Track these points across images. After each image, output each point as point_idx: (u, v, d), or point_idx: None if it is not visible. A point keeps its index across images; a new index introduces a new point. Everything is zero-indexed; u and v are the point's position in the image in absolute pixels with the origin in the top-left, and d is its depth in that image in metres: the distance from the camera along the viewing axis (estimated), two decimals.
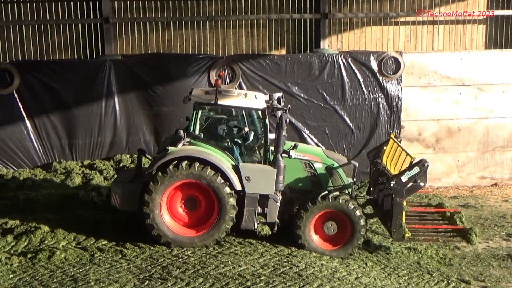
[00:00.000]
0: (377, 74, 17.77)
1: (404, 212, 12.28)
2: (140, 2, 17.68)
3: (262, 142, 12.27)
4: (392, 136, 13.82)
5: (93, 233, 12.34)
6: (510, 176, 18.94)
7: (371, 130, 17.84)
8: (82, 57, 17.70)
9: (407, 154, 12.54)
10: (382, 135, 17.84)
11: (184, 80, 17.03)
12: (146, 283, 10.24)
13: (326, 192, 12.08)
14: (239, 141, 12.51)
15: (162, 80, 17.10)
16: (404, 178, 11.89)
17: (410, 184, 11.99)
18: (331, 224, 12.10)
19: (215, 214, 11.81)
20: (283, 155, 11.87)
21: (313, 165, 12.57)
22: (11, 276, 10.72)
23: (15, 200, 14.29)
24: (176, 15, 17.78)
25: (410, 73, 18.02)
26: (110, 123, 17.28)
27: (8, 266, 11.06)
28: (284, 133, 11.85)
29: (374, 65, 17.74)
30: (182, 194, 12.00)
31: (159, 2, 17.70)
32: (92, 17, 17.62)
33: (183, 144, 11.91)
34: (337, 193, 12.07)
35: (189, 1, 17.75)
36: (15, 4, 17.36)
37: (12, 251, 11.76)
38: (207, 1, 17.83)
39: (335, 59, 17.56)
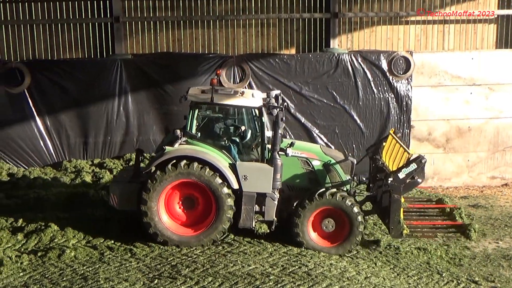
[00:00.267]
0: (387, 73, 17.72)
1: (402, 209, 12.24)
2: (150, 1, 17.73)
3: (259, 140, 12.24)
4: (391, 132, 13.80)
5: (103, 231, 12.38)
6: None
7: (381, 129, 17.80)
8: (92, 56, 17.79)
9: (405, 150, 12.54)
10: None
11: (194, 79, 17.05)
12: (156, 282, 10.26)
13: (324, 189, 12.06)
14: (237, 140, 12.50)
15: (172, 79, 17.14)
16: (401, 175, 11.85)
17: (407, 181, 11.95)
18: (329, 221, 12.08)
19: (212, 213, 11.82)
20: (280, 153, 11.86)
21: (311, 163, 12.54)
22: (21, 274, 10.77)
23: (25, 198, 14.37)
24: (186, 14, 17.81)
25: (420, 73, 17.97)
26: (120, 122, 17.34)
27: (18, 264, 11.11)
28: (280, 131, 11.80)
29: (384, 64, 17.70)
30: (180, 193, 12.01)
31: (169, 1, 17.74)
32: (102, 16, 17.69)
33: (180, 144, 11.93)
34: (334, 190, 12.04)
35: (199, 0, 17.78)
36: (26, 4, 17.45)
37: (23, 249, 11.82)
38: (217, 0, 17.84)
39: (345, 58, 17.53)
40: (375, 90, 17.75)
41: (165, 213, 11.93)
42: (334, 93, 17.66)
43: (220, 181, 11.63)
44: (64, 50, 17.78)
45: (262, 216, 12.07)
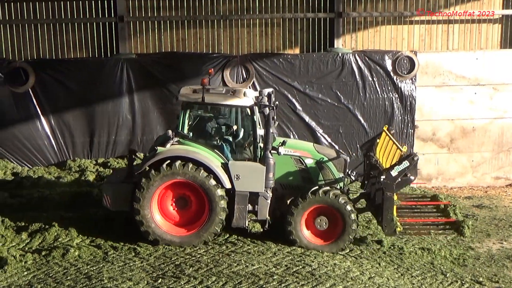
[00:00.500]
0: (391, 73, 17.71)
1: (395, 206, 12.25)
2: (155, 1, 17.73)
3: (252, 139, 12.21)
4: (385, 128, 13.80)
5: (107, 231, 12.40)
6: None
7: None
8: (96, 56, 17.80)
9: (398, 147, 12.51)
10: (396, 135, 17.75)
11: (198, 79, 16.73)
12: (159, 281, 10.27)
13: (317, 187, 12.06)
14: (229, 139, 12.49)
15: (176, 79, 17.15)
16: (394, 173, 11.85)
17: (400, 178, 11.94)
18: (322, 219, 12.07)
19: (205, 213, 11.82)
20: (272, 152, 11.85)
21: (304, 161, 12.52)
22: (26, 273, 10.79)
23: (29, 197, 14.41)
24: (190, 14, 17.82)
25: (424, 73, 17.95)
26: (125, 122, 17.37)
27: (23, 263, 11.13)
28: (272, 130, 11.78)
29: (388, 64, 17.69)
30: (174, 193, 12.01)
31: (173, 1, 17.75)
32: (106, 16, 17.70)
33: (172, 144, 11.92)
34: (327, 188, 12.03)
35: (203, 0, 17.77)
36: (31, 3, 17.48)
37: (27, 249, 11.85)
38: (221, 0, 17.83)
39: (349, 58, 17.53)
40: (379, 90, 17.74)
41: (158, 213, 11.93)
42: (338, 93, 17.65)
43: (214, 183, 11.63)
44: (68, 49, 17.81)
45: (255, 216, 12.06)
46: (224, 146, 12.21)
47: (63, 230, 12.36)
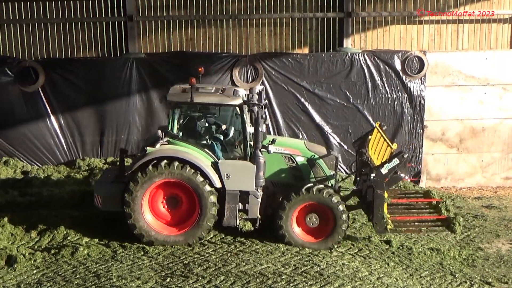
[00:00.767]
0: (401, 73, 17.67)
1: (386, 204, 12.23)
2: (164, 0, 17.76)
3: (242, 137, 12.22)
4: (377, 125, 13.76)
5: (116, 230, 12.41)
6: None
7: (394, 129, 17.75)
8: (106, 55, 17.86)
9: (388, 144, 12.48)
10: (405, 135, 17.76)
11: (207, 79, 17.04)
12: (168, 280, 10.29)
13: (311, 184, 12.07)
14: (220, 138, 12.50)
15: (185, 78, 16.85)
16: (384, 170, 11.80)
17: (390, 176, 11.91)
18: (313, 217, 12.09)
19: (196, 212, 11.83)
20: (262, 150, 11.84)
21: (295, 159, 12.52)
22: (35, 271, 10.85)
23: (39, 196, 14.46)
24: (199, 13, 17.84)
25: (434, 73, 17.90)
26: (134, 121, 17.41)
27: (32, 261, 11.18)
28: (261, 128, 11.72)
29: (397, 64, 17.65)
30: (164, 193, 12.02)
31: (182, 0, 17.77)
32: (116, 15, 17.76)
33: (162, 144, 11.93)
34: (321, 186, 12.05)
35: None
36: (41, 2, 17.55)
37: (36, 247, 11.90)
38: None
39: (358, 58, 17.50)
40: (388, 90, 17.71)
41: (149, 213, 11.93)
42: (347, 92, 17.63)
43: (201, 179, 11.62)
44: (78, 49, 17.87)
45: (246, 214, 12.07)
46: (215, 145, 12.23)
47: (72, 228, 12.40)
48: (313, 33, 18.22)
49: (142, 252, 11.55)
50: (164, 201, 12.05)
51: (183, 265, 10.89)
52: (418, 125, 17.85)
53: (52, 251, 11.58)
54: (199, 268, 10.73)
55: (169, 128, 12.08)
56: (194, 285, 10.12)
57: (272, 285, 10.10)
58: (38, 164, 17.29)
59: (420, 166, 17.99)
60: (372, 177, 11.78)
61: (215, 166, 11.83)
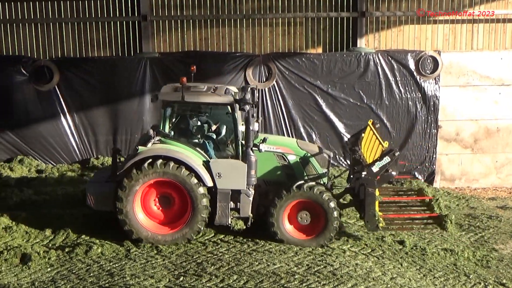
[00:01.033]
0: (415, 73, 17.59)
1: (377, 202, 12.22)
2: (178, 0, 17.79)
3: (233, 136, 12.25)
4: (369, 123, 13.72)
5: None
6: None
7: (408, 130, 17.68)
8: (120, 55, 17.92)
9: (380, 142, 12.47)
10: (419, 135, 17.67)
11: (220, 78, 17.09)
12: (181, 279, 10.32)
13: (302, 181, 12.08)
14: (212, 137, 12.52)
15: (199, 78, 17.01)
16: (375, 168, 11.80)
17: (382, 174, 11.91)
18: (305, 214, 12.11)
19: (188, 211, 11.86)
20: (253, 148, 11.86)
21: (286, 157, 12.58)
22: (49, 269, 10.92)
23: (53, 195, 14.55)
24: (213, 13, 17.87)
25: (448, 73, 17.80)
26: (147, 120, 17.45)
27: (46, 259, 11.26)
28: (252, 127, 11.74)
29: (411, 64, 17.56)
30: (156, 192, 12.05)
31: (196, 0, 17.79)
32: (130, 15, 17.82)
33: (153, 143, 11.96)
34: (312, 183, 12.06)
35: None
36: (56, 2, 17.65)
37: (50, 245, 11.98)
38: None
39: (372, 58, 17.44)
40: (402, 90, 17.63)
41: (142, 212, 11.96)
42: (360, 92, 17.57)
43: (193, 179, 11.65)
44: (92, 48, 17.96)
45: (238, 213, 12.09)
46: (207, 144, 12.25)
47: (86, 227, 12.47)
48: (326, 33, 18.19)
49: (155, 251, 11.59)
50: (157, 200, 12.10)
51: (196, 264, 10.91)
52: (432, 125, 17.76)
53: (66, 249, 11.65)
54: (212, 267, 10.75)
55: (161, 127, 12.14)
56: (207, 284, 10.14)
57: (285, 285, 10.11)
58: (52, 162, 17.38)
59: (434, 166, 17.90)
60: (363, 175, 11.80)
61: (206, 165, 11.87)
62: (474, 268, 11.87)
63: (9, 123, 17.26)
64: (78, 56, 17.88)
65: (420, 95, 17.66)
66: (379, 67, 17.49)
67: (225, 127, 12.65)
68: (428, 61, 17.62)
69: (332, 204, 11.91)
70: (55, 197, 14.39)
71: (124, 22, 17.89)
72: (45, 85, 17.23)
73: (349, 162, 15.95)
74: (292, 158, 12.57)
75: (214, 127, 12.65)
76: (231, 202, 11.97)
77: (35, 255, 11.29)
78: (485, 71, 17.87)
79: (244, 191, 11.95)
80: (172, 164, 11.63)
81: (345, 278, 10.39)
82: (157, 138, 12.04)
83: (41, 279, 10.51)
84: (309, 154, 12.62)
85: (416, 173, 17.77)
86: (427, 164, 17.84)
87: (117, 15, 17.83)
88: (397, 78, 17.59)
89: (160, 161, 11.64)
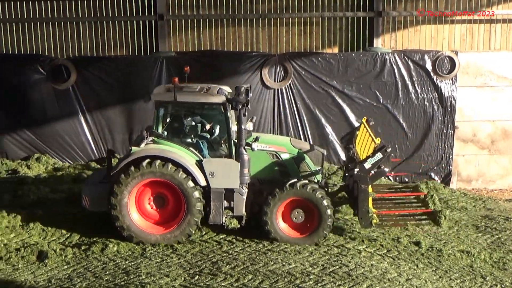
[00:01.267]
0: (431, 73, 17.50)
1: (370, 198, 12.20)
2: None
3: (226, 136, 12.30)
4: (363, 121, 13.69)
5: None
6: None
7: (424, 130, 17.60)
8: (136, 54, 18.00)
9: (372, 139, 12.44)
10: (435, 136, 17.59)
11: (236, 78, 17.12)
12: (196, 278, 10.34)
13: (295, 180, 12.08)
14: (206, 136, 12.55)
15: (215, 77, 17.15)
16: (367, 165, 11.80)
17: (374, 171, 11.91)
18: (298, 212, 12.11)
19: (182, 210, 11.89)
20: (246, 147, 11.88)
21: (280, 156, 12.61)
22: (66, 267, 10.99)
23: (70, 193, 14.64)
24: (229, 13, 17.89)
25: (465, 73, 17.70)
26: None
27: (63, 257, 11.33)
28: (244, 126, 11.74)
29: (428, 64, 17.48)
30: (151, 192, 12.09)
31: None
32: (147, 14, 17.90)
33: (146, 144, 12.00)
34: (305, 181, 12.05)
35: None
36: (73, 2, 17.76)
37: (67, 243, 12.05)
38: None
39: (388, 57, 17.38)
40: (418, 90, 17.55)
41: (136, 212, 11.99)
42: (377, 92, 17.52)
43: (185, 177, 11.68)
44: (109, 47, 18.06)
45: (232, 212, 12.11)
46: (201, 143, 12.29)
47: (103, 225, 12.52)
48: (343, 33, 18.15)
49: (171, 249, 11.62)
50: (151, 200, 12.13)
51: (212, 263, 10.93)
52: (449, 125, 17.66)
53: (83, 247, 11.72)
54: (227, 266, 10.76)
55: (154, 128, 12.20)
56: (222, 284, 10.16)
57: (300, 285, 10.10)
58: (69, 161, 17.49)
59: (450, 167, 17.80)
60: (355, 172, 11.81)
61: (199, 164, 11.91)
62: (491, 270, 11.78)
63: (26, 121, 17.40)
64: (95, 55, 18.00)
65: (436, 96, 17.57)
66: (395, 67, 17.42)
67: (218, 127, 12.70)
68: (445, 61, 17.52)
69: (325, 202, 11.90)
70: (72, 195, 14.47)
71: (141, 21, 17.97)
72: (63, 84, 17.35)
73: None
74: (285, 156, 12.64)
75: (207, 127, 12.71)
76: (225, 201, 12.01)
77: (52, 252, 11.37)
78: (503, 72, 17.76)
79: (238, 190, 11.98)
80: (163, 163, 11.69)
81: (360, 279, 10.36)
82: (150, 138, 12.12)
83: (57, 277, 10.58)
84: (302, 152, 12.69)
85: (432, 174, 17.70)
86: (443, 165, 17.76)
87: (134, 15, 17.92)
88: (414, 78, 17.52)
89: (151, 160, 11.71)
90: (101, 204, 12.10)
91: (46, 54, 17.87)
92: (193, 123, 12.61)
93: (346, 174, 13.12)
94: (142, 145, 11.95)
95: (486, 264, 12.03)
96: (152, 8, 17.85)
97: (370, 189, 12.24)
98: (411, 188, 15.13)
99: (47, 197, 14.35)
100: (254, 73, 17.30)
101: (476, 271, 11.62)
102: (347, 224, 13.03)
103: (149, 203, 12.13)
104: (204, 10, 17.94)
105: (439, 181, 17.46)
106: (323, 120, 17.49)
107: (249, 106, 11.97)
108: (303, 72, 17.38)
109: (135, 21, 17.97)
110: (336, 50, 18.13)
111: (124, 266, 10.87)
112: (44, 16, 17.87)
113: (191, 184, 11.71)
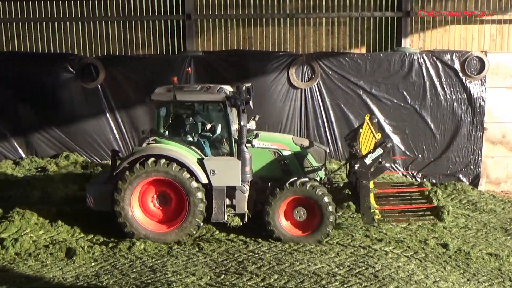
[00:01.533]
0: (460, 74, 17.32)
1: (372, 194, 12.16)
2: None
3: (227, 134, 12.35)
4: (366, 118, 13.60)
5: None
6: None
7: (453, 131, 17.42)
8: (164, 53, 18.10)
9: (373, 135, 12.34)
10: (464, 137, 17.40)
11: (263, 77, 17.13)
12: (222, 277, 10.37)
13: (295, 178, 12.06)
14: (208, 135, 12.59)
15: (242, 77, 17.19)
16: (368, 160, 11.77)
17: (375, 166, 11.86)
18: (300, 210, 12.11)
19: (184, 209, 11.94)
20: (247, 145, 11.90)
21: (282, 153, 12.65)
22: (93, 264, 11.10)
23: None
24: (257, 12, 17.90)
25: (495, 74, 17.49)
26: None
27: (90, 254, 11.45)
28: (243, 123, 11.72)
29: (457, 64, 17.30)
30: (155, 190, 12.18)
31: None
32: (175, 13, 17.98)
33: (148, 143, 12.11)
34: (305, 179, 12.04)
35: None
36: (102, 2, 17.91)
37: (94, 240, 12.18)
38: None
39: (416, 58, 17.24)
40: (447, 91, 17.39)
41: (139, 210, 12.09)
42: (404, 93, 17.39)
43: (187, 176, 11.75)
44: (137, 46, 18.19)
45: (234, 209, 12.14)
46: (202, 142, 12.33)
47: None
48: (370, 33, 18.06)
49: (197, 248, 11.68)
50: (154, 199, 12.22)
51: (237, 263, 10.95)
52: (478, 127, 17.46)
53: (110, 245, 11.83)
54: (253, 266, 10.77)
55: (155, 127, 12.33)
56: (248, 283, 10.16)
57: (326, 286, 10.06)
58: (97, 159, 17.65)
59: (479, 169, 17.60)
60: (356, 168, 11.78)
61: (200, 162, 11.95)
62: None
63: (56, 120, 17.58)
64: (123, 54, 18.12)
65: (465, 97, 17.39)
66: (423, 68, 17.28)
67: (220, 125, 12.78)
68: (474, 61, 17.33)
69: (326, 199, 11.89)
70: None
71: (169, 20, 18.06)
72: (91, 83, 17.50)
73: None
74: (287, 154, 12.68)
75: (209, 126, 12.78)
76: (227, 199, 12.07)
77: (80, 249, 11.50)
78: None
79: (239, 187, 12.02)
80: (166, 162, 11.78)
81: (386, 280, 10.30)
82: (152, 138, 12.25)
83: (85, 274, 10.68)
84: (304, 150, 12.70)
85: (460, 176, 17.52)
86: (472, 167, 17.56)
87: (162, 14, 18.02)
88: (442, 79, 17.35)
89: (154, 160, 11.81)
90: (105, 204, 12.25)
91: (76, 53, 18.05)
92: (194, 122, 12.71)
93: (349, 172, 13.09)
94: (144, 145, 12.14)
95: None
96: (180, 8, 17.93)
97: (371, 185, 12.20)
98: (417, 185, 15.03)
99: (75, 195, 14.48)
100: (281, 73, 17.28)
101: (505, 274, 11.49)
102: (373, 225, 12.93)
103: (152, 202, 12.25)
104: (232, 10, 17.98)
105: (467, 183, 17.28)
106: (350, 121, 17.39)
107: (251, 104, 12.06)
108: (330, 72, 17.32)
109: (163, 21, 18.07)
110: (363, 50, 18.04)
111: (151, 264, 10.95)
112: (74, 16, 18.05)
113: (194, 184, 11.81)
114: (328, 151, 13.26)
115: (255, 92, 16.91)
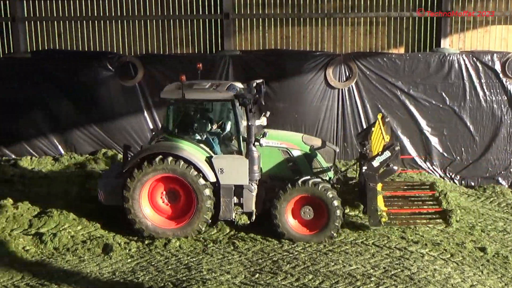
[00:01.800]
0: (501, 75, 17.03)
1: (380, 196, 12.07)
2: None
3: (235, 132, 12.34)
4: (379, 117, 13.40)
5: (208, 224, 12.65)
6: None
7: (492, 133, 17.13)
8: (202, 52, 18.20)
9: (383, 137, 12.16)
10: (504, 139, 17.11)
11: (300, 77, 17.09)
12: (257, 276, 10.40)
13: (308, 177, 12.04)
14: (217, 133, 12.59)
15: (279, 76, 17.24)
16: (375, 163, 11.67)
17: (383, 169, 11.78)
18: (308, 209, 12.07)
19: (193, 206, 11.98)
20: (255, 143, 11.86)
21: (291, 152, 12.59)
22: (129, 260, 11.24)
23: None
24: (294, 12, 17.88)
25: None
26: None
27: (127, 250, 11.60)
28: (252, 122, 11.71)
29: (497, 65, 17.02)
30: (164, 187, 12.26)
31: None
32: (213, 13, 18.07)
33: (157, 141, 12.21)
34: (318, 179, 12.02)
35: None
36: (141, 0, 18.09)
37: (131, 237, 12.31)
38: None
39: (456, 58, 17.00)
40: (487, 92, 17.11)
41: (148, 207, 12.20)
42: (443, 94, 17.17)
43: (195, 173, 11.80)
44: (175, 45, 18.33)
45: (241, 208, 12.13)
46: (211, 140, 12.33)
47: None
48: (409, 33, 17.88)
49: (232, 247, 11.73)
50: (163, 196, 12.31)
51: (272, 262, 10.97)
52: None
53: (146, 242, 11.97)
54: (287, 265, 10.78)
55: (166, 125, 12.40)
56: (282, 282, 10.18)
57: (361, 287, 10.03)
58: None
59: None
60: (364, 170, 11.72)
61: (209, 160, 11.98)
62: None
63: (94, 117, 17.81)
64: (161, 52, 18.29)
65: (506, 98, 17.09)
66: (463, 68, 17.03)
67: (229, 123, 12.81)
68: None
69: (335, 203, 11.85)
70: None
71: (207, 20, 18.16)
72: (130, 81, 17.69)
73: None
74: (297, 153, 12.63)
75: (215, 126, 12.82)
76: (235, 197, 12.10)
77: (117, 246, 11.67)
78: None
79: (247, 186, 12.02)
80: (174, 159, 11.86)
81: (422, 283, 10.20)
82: (161, 135, 12.36)
83: (121, 269, 10.83)
84: (314, 149, 12.64)
85: (499, 179, 17.24)
86: (511, 170, 17.27)
87: (200, 13, 18.13)
88: (482, 80, 17.08)
89: (163, 157, 11.90)
90: (115, 198, 12.39)
91: (115, 51, 18.26)
92: (204, 120, 12.75)
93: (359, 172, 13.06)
94: (153, 142, 12.29)
95: None
96: (218, 7, 18.01)
97: (379, 187, 12.10)
98: (428, 186, 14.82)
99: None
100: (318, 73, 17.21)
101: None
102: (410, 227, 12.82)
103: (161, 198, 12.36)
104: (270, 9, 17.99)
105: (506, 186, 17.00)
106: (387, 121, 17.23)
107: (262, 101, 12.02)
108: (368, 72, 17.20)
109: (201, 20, 18.18)
110: (402, 50, 17.87)
111: (186, 262, 11.04)
112: (113, 15, 18.27)
113: (202, 181, 11.88)
114: (338, 151, 13.21)
115: (292, 90, 17.05)
